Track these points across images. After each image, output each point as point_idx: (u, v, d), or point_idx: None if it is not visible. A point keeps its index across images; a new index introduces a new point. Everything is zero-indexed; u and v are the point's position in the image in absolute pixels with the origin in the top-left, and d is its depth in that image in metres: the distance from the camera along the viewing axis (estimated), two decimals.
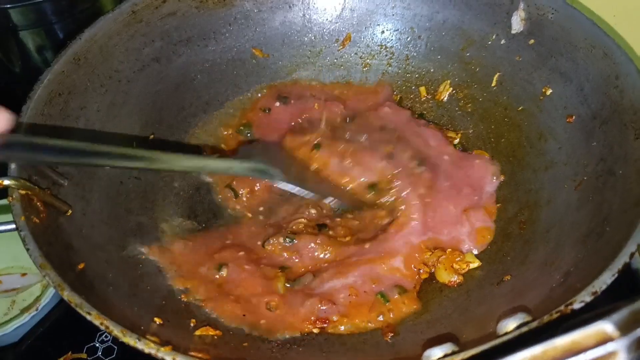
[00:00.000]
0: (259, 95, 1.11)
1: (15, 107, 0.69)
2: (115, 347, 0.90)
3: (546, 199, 0.87)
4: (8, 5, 1.05)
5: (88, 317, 0.57)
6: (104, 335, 0.91)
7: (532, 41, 0.96)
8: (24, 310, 0.88)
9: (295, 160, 0.96)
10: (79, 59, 0.89)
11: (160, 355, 0.54)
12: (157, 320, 0.68)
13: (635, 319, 0.37)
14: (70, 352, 0.88)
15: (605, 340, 0.37)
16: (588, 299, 0.56)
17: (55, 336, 0.91)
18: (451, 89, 1.08)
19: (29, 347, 0.90)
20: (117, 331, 0.55)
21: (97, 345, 0.90)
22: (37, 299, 0.89)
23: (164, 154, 0.73)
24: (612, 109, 0.82)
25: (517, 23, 0.97)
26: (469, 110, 1.05)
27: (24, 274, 0.96)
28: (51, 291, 0.88)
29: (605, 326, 0.37)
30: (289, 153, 0.97)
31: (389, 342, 0.74)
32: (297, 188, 0.88)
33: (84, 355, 0.88)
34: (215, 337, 0.71)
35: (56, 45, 1.13)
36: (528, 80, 0.97)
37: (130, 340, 0.55)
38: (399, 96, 1.11)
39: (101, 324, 0.56)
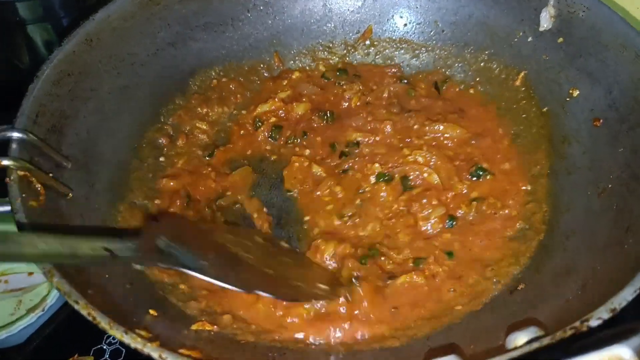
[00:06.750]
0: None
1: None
2: (123, 349, 0.87)
3: (566, 204, 0.83)
4: None
5: (76, 307, 0.54)
6: (111, 337, 0.88)
7: (560, 39, 0.92)
8: (30, 311, 0.86)
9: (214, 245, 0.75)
10: (91, 39, 0.87)
11: (146, 351, 0.52)
12: (152, 312, 0.66)
13: None
14: (77, 355, 0.86)
15: None
16: (606, 316, 0.52)
17: (61, 338, 0.88)
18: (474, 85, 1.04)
19: (35, 349, 0.88)
20: (104, 323, 0.53)
21: (105, 347, 0.87)
22: (44, 299, 0.87)
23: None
24: None
25: (546, 20, 0.93)
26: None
27: (30, 274, 0.94)
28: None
29: (622, 350, 0.34)
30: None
31: (392, 349, 0.71)
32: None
33: (90, 358, 0.86)
34: (212, 332, 0.69)
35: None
36: (554, 81, 0.93)
37: (117, 333, 0.52)
38: None
39: (88, 314, 0.54)
